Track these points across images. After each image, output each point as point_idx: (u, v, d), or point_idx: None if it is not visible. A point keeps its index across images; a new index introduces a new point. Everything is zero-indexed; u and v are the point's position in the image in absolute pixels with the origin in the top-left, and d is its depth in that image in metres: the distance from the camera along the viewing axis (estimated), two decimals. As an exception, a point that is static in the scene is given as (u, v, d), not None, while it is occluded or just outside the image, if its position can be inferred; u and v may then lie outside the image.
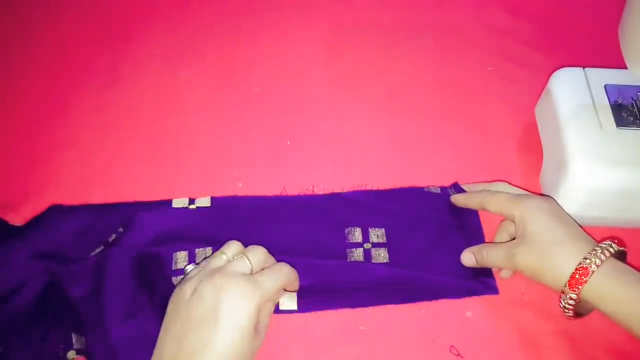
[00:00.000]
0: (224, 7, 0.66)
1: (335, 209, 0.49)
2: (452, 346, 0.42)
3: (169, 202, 0.49)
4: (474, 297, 0.45)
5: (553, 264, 0.40)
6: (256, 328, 0.37)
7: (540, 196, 0.45)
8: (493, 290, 0.45)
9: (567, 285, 0.39)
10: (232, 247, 0.41)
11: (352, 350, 0.42)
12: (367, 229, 0.48)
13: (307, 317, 0.44)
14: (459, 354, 0.42)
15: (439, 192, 0.51)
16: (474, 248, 0.46)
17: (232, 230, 0.47)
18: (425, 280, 0.45)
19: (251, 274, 0.39)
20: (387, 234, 0.48)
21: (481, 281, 0.45)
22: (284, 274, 0.40)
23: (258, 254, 0.40)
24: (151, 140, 0.54)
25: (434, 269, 0.46)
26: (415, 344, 0.43)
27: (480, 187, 0.49)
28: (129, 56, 0.61)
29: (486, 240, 0.48)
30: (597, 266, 0.38)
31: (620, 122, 0.46)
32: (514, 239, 0.44)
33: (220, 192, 0.50)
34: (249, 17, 0.65)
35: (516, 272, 0.45)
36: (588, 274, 0.38)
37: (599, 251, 0.39)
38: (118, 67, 0.60)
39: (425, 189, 0.51)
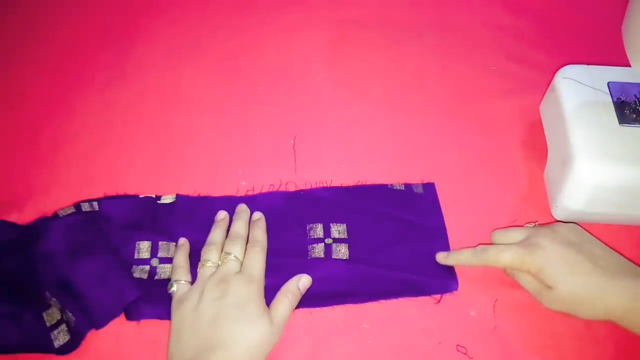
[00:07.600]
0: (228, 5, 0.66)
1: (298, 206, 0.49)
2: (458, 345, 0.42)
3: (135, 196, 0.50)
4: (477, 297, 0.45)
5: (587, 309, 0.41)
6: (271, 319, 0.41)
7: (550, 232, 0.43)
8: (453, 288, 0.45)
9: None
10: (213, 251, 0.45)
11: (355, 348, 0.42)
12: (329, 224, 0.48)
13: (311, 315, 0.44)
14: (465, 353, 0.42)
15: (403, 189, 0.50)
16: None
17: (195, 228, 0.48)
18: (384, 279, 0.45)
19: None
20: (349, 230, 0.48)
21: (441, 279, 0.45)
22: (261, 252, 0.45)
23: (237, 244, 0.45)
24: (155, 139, 0.54)
25: (394, 266, 0.46)
26: (417, 342, 0.43)
27: (465, 253, 0.45)
28: (133, 54, 0.61)
29: (449, 242, 0.47)
30: None
31: (623, 119, 0.46)
32: None
33: (224, 191, 0.50)
34: (252, 16, 0.65)
35: None
36: None
37: None
38: (121, 65, 0.60)
39: (389, 186, 0.51)
